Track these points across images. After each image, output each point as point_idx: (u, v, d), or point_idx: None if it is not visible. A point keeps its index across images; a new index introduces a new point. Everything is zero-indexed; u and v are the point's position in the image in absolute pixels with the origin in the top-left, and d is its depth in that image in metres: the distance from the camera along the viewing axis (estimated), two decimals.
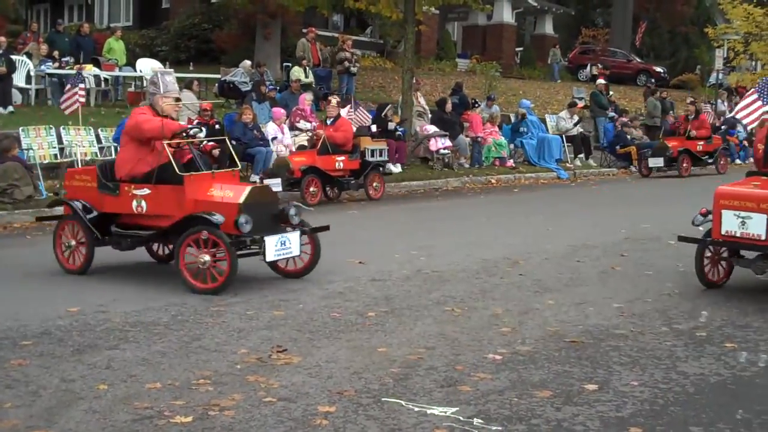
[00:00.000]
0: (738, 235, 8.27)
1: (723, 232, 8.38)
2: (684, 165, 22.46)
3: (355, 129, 17.67)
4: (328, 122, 16.74)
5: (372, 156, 17.58)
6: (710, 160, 23.28)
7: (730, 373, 5.96)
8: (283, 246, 8.59)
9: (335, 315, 7.41)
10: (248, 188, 8.77)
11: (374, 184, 16.71)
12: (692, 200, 11.52)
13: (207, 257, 8.25)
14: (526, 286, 8.71)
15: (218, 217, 8.28)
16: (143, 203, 8.87)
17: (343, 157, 16.25)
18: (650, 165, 22.82)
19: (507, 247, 10.82)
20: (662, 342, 6.71)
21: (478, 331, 6.94)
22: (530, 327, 7.11)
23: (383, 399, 5.31)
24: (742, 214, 8.25)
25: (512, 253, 10.37)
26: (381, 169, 17.11)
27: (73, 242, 9.28)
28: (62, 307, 7.54)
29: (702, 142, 23.17)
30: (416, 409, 5.14)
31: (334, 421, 4.94)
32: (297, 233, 8.80)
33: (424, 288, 8.53)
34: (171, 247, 9.31)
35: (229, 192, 8.65)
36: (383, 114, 19.23)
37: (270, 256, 8.49)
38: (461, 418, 5.00)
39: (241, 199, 8.51)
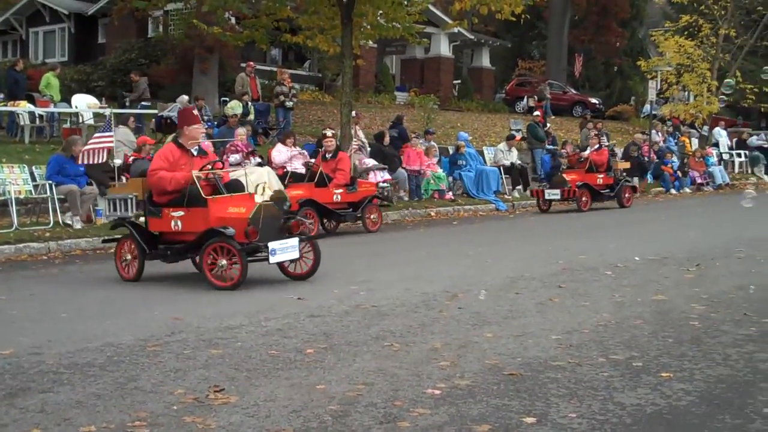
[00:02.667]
0: None
1: None
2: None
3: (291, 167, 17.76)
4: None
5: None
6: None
7: (666, 402, 6.02)
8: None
9: (273, 353, 7.35)
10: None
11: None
12: (630, 230, 11.68)
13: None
14: (464, 319, 8.73)
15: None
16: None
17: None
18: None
19: (446, 280, 10.85)
20: (599, 373, 6.75)
21: (417, 366, 6.93)
22: (469, 360, 7.12)
23: None
24: None
25: (451, 287, 10.40)
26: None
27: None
28: None
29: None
30: None
31: None
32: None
33: (363, 323, 8.51)
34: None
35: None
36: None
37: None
38: None
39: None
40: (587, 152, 22.96)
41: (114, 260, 11.37)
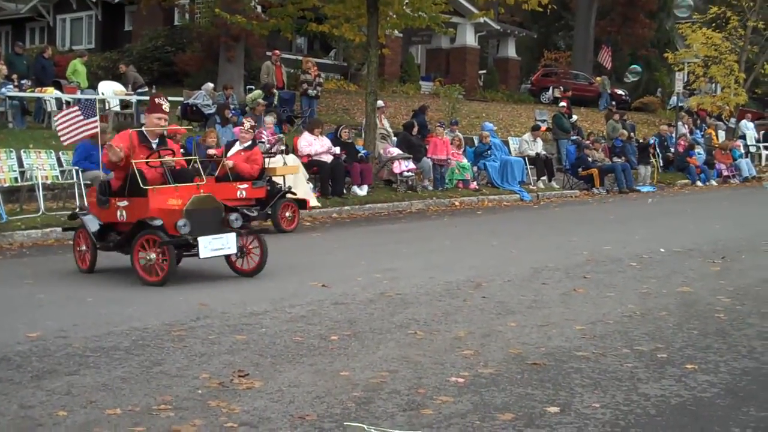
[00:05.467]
0: None
1: None
2: None
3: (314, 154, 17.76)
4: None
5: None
6: None
7: (691, 394, 6.00)
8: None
9: (298, 339, 7.38)
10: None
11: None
12: (655, 222, 11.62)
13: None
14: (488, 308, 8.73)
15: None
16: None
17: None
18: None
19: (470, 269, 10.85)
20: (623, 364, 6.74)
21: (441, 354, 6.94)
22: (493, 349, 7.12)
23: (345, 423, 5.29)
24: None
25: (475, 276, 10.40)
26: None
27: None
28: (21, 333, 7.45)
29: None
30: None
31: None
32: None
33: (387, 311, 8.53)
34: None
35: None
36: (338, 134, 19.29)
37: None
38: None
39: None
40: None
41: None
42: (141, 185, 10.20)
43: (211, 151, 15.53)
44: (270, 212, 15.16)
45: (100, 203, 10.77)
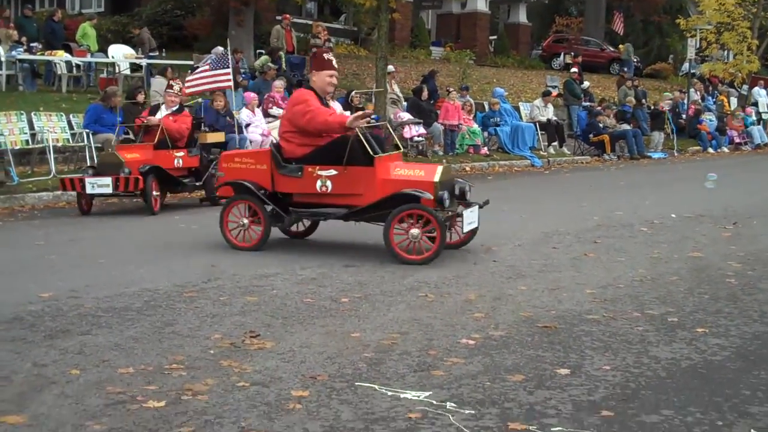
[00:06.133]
0: None
1: None
2: None
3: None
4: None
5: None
6: None
7: (701, 357, 6.00)
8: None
9: (308, 300, 7.40)
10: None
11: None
12: (666, 188, 11.58)
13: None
14: (499, 272, 8.74)
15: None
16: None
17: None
18: None
19: (480, 233, 10.81)
20: (634, 327, 6.75)
21: (452, 317, 6.96)
22: (503, 312, 7.14)
23: (357, 383, 5.31)
24: None
25: (486, 240, 10.39)
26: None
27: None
28: (34, 293, 7.49)
29: None
30: (390, 393, 5.15)
31: (308, 405, 4.94)
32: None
33: (398, 274, 8.54)
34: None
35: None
36: (349, 99, 19.22)
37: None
38: (434, 402, 5.01)
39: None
40: None
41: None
42: (371, 152, 9.30)
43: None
44: (202, 183, 13.88)
45: (288, 172, 9.51)
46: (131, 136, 15.10)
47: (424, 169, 9.64)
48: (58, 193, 13.94)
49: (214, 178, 12.07)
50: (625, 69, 36.80)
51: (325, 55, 9.82)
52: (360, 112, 9.54)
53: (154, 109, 14.43)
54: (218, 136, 15.68)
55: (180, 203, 14.18)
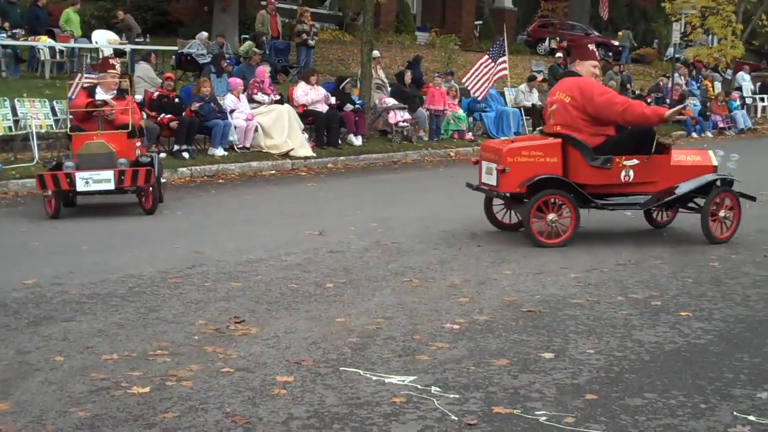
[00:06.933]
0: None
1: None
2: None
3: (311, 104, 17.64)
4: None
5: None
6: None
7: (685, 341, 6.04)
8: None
9: (293, 286, 7.40)
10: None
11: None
12: None
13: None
14: (484, 257, 8.75)
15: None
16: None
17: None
18: None
19: (465, 218, 10.84)
20: (618, 311, 6.77)
21: (436, 301, 6.97)
22: (488, 297, 7.15)
23: (341, 368, 5.32)
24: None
25: (470, 225, 10.40)
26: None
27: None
28: (17, 280, 7.46)
29: None
30: (374, 378, 5.16)
31: (293, 390, 4.95)
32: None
33: (383, 259, 8.54)
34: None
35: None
36: (342, 87, 19.16)
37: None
38: (419, 387, 5.02)
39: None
40: None
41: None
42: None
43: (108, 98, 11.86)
44: None
45: (601, 163, 9.41)
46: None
47: (699, 154, 10.05)
48: None
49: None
50: (623, 56, 37.00)
51: (589, 45, 10.15)
52: (678, 107, 10.33)
53: (92, 92, 12.01)
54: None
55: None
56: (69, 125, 12.28)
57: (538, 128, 24.01)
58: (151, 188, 11.10)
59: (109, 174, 10.83)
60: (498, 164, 9.39)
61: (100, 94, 11.67)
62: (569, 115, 9.47)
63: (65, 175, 10.73)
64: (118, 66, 12.86)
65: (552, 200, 9.34)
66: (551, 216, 9.28)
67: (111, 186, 10.90)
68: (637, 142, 9.53)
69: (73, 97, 13.06)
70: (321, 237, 9.64)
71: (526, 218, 9.34)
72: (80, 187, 10.82)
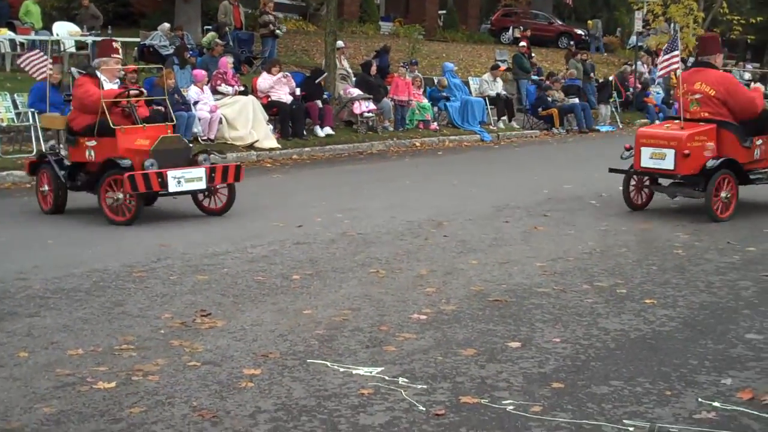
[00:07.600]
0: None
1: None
2: None
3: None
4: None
5: None
6: None
7: (650, 328, 6.09)
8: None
9: (259, 278, 7.38)
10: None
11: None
12: (614, 161, 11.67)
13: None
14: (450, 247, 8.77)
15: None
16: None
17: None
18: None
19: (431, 208, 10.86)
20: (584, 299, 6.82)
21: (403, 292, 6.98)
22: (454, 287, 7.17)
23: (309, 360, 5.32)
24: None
25: (437, 215, 10.42)
26: None
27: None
28: None
29: None
30: (342, 369, 5.17)
31: (260, 383, 4.94)
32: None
33: (349, 250, 8.54)
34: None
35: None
36: (317, 81, 19.07)
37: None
38: (387, 378, 5.03)
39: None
40: None
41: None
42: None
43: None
44: None
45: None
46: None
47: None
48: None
49: None
50: (593, 44, 37.22)
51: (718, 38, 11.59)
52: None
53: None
54: (56, 121, 13.29)
55: None
56: (98, 120, 10.40)
57: (502, 117, 24.10)
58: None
59: (201, 172, 10.06)
60: (677, 149, 10.31)
61: (106, 83, 10.79)
62: (713, 104, 10.61)
63: (156, 175, 9.75)
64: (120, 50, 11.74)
65: (726, 179, 10.34)
66: (724, 193, 10.31)
67: (203, 185, 10.18)
68: (761, 125, 10.75)
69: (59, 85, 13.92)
70: (286, 228, 9.60)
71: (708, 197, 10.22)
72: (172, 187, 9.93)
